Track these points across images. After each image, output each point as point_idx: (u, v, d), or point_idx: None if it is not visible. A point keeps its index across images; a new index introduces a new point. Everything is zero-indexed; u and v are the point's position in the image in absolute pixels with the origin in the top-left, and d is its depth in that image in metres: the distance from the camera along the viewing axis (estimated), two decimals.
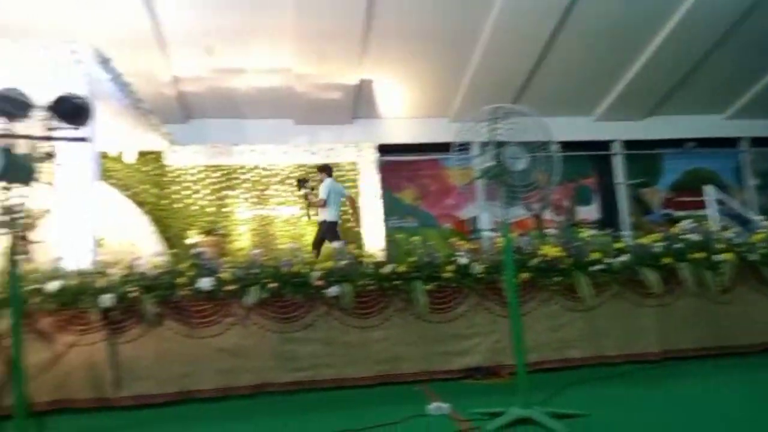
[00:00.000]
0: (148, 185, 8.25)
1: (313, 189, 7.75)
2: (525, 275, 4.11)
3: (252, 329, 3.96)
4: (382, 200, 9.00)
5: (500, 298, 4.16)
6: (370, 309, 4.12)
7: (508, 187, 3.09)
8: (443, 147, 9.74)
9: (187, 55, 8.04)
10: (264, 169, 8.76)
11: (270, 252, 4.43)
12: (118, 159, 7.78)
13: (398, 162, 10.00)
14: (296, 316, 4.03)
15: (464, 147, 3.20)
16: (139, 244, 6.41)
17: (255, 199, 8.66)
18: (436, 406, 3.25)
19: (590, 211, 10.63)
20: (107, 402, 3.71)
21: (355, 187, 9.02)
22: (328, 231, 7.31)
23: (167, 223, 8.13)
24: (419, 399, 3.54)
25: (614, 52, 8.82)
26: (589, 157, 10.53)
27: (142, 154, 8.06)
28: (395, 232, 8.86)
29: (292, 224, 8.73)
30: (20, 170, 2.67)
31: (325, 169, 7.76)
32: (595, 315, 4.32)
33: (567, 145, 3.19)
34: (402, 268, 4.17)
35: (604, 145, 10.67)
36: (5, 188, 2.71)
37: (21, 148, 2.81)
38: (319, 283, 4.03)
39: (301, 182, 7.88)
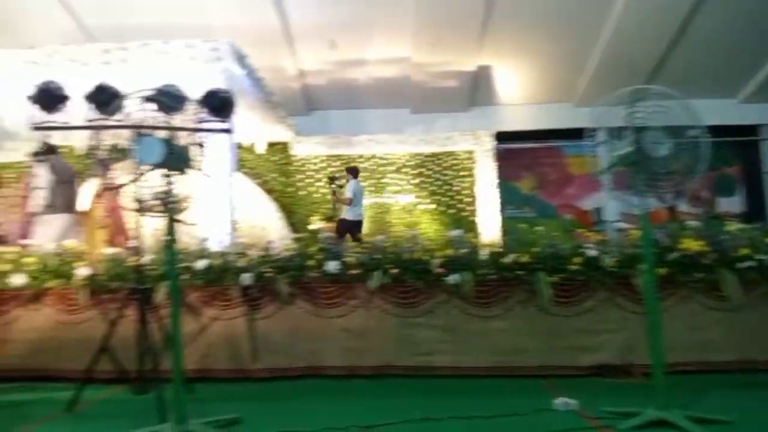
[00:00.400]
0: (275, 174, 8.85)
1: (341, 187, 8.11)
2: (662, 270, 3.83)
3: (374, 312, 4.09)
4: (498, 189, 8.85)
5: (632, 294, 3.92)
6: (490, 298, 4.07)
7: (647, 175, 2.89)
8: (564, 133, 9.34)
9: (312, 49, 8.42)
10: (381, 158, 8.99)
11: (391, 238, 4.53)
12: (250, 149, 8.39)
13: (516, 150, 9.75)
14: (417, 302, 4.09)
15: (593, 133, 3.04)
16: (269, 229, 6.88)
17: (372, 188, 8.91)
18: (563, 402, 3.15)
19: (733, 203, 9.68)
20: (245, 373, 4.03)
21: (471, 176, 8.94)
22: (352, 228, 7.55)
23: (292, 210, 8.67)
24: (541, 393, 3.45)
25: (763, 25, 7.87)
26: (732, 143, 9.55)
27: (271, 145, 8.64)
28: (511, 222, 8.67)
29: (408, 212, 8.89)
30: (178, 159, 2.95)
31: (352, 171, 8.08)
32: (742, 316, 3.92)
33: (708, 130, 2.92)
34: (524, 259, 4.07)
35: (751, 129, 9.64)
36: (165, 175, 3.00)
37: (177, 138, 3.10)
38: (440, 270, 4.06)
39: (332, 179, 8.27)
